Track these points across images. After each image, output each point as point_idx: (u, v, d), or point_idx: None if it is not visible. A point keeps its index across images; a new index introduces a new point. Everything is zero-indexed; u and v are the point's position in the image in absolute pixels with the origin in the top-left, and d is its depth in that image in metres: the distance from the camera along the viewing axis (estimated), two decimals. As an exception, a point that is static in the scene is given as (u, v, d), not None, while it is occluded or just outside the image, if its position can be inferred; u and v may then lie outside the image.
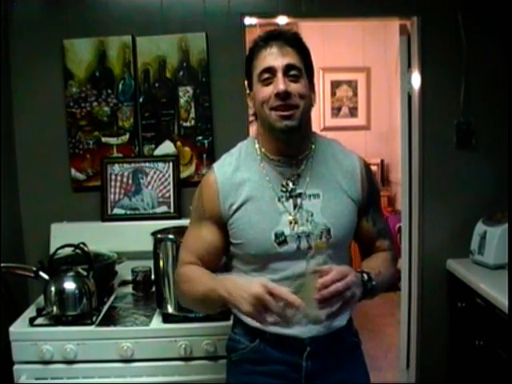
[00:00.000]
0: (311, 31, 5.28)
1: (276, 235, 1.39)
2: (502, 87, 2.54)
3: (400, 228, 3.14)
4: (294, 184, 1.43)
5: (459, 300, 2.49)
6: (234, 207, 1.42)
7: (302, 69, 1.40)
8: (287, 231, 1.39)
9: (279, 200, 1.42)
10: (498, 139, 2.59)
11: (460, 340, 2.53)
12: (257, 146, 1.48)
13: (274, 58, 1.38)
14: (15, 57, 2.54)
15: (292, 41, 1.41)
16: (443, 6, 2.57)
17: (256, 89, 1.41)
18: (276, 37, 1.40)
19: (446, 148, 2.65)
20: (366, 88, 5.17)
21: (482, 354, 2.23)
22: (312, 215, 1.41)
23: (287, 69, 1.37)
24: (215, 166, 1.50)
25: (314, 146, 1.48)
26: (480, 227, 2.53)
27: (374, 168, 5.09)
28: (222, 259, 1.51)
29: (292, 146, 1.44)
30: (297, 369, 1.45)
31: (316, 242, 1.40)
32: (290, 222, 1.40)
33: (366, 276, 1.36)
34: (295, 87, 1.37)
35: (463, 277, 2.43)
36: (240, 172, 1.45)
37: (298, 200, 1.42)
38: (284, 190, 1.42)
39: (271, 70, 1.37)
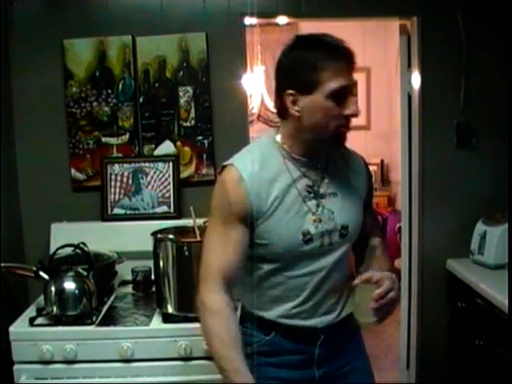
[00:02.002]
0: (311, 31, 5.29)
1: (303, 234, 1.43)
2: (502, 87, 2.54)
3: (400, 228, 3.14)
4: (317, 184, 1.47)
5: (459, 300, 2.49)
6: (264, 207, 1.41)
7: None
8: (312, 230, 1.44)
9: (304, 200, 1.45)
10: (498, 139, 2.58)
11: (460, 340, 2.53)
12: (283, 146, 1.47)
13: (348, 76, 1.38)
14: (15, 57, 2.54)
15: (353, 57, 1.41)
16: (443, 5, 2.57)
17: (319, 100, 1.37)
18: (344, 50, 1.39)
19: (446, 148, 2.65)
20: (366, 88, 5.18)
21: (481, 353, 2.23)
22: (333, 213, 1.47)
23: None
24: (236, 165, 1.43)
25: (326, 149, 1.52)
26: (480, 227, 2.53)
27: (374, 168, 5.09)
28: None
29: (323, 152, 1.49)
30: (310, 357, 1.51)
31: (336, 239, 1.47)
32: (315, 221, 1.44)
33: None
34: None
35: (463, 277, 2.43)
36: (265, 172, 1.43)
37: (321, 200, 1.46)
38: (309, 190, 1.46)
39: (345, 89, 1.37)
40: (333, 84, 1.35)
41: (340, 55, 1.38)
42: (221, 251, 1.42)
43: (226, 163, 1.46)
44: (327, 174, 1.49)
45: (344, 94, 1.37)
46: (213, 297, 1.40)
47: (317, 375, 1.53)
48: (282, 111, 1.44)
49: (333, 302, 1.51)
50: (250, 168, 1.42)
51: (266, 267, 1.47)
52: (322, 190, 1.47)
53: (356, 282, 1.39)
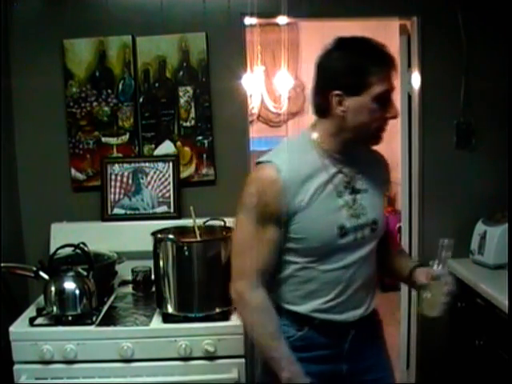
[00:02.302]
0: (311, 31, 5.30)
1: (339, 228, 1.47)
2: (502, 87, 2.54)
3: (400, 228, 3.14)
4: (352, 181, 1.52)
5: (459, 300, 2.49)
6: (301, 204, 1.44)
7: None
8: (348, 224, 1.49)
9: (339, 195, 1.50)
10: (498, 139, 2.58)
11: (460, 340, 2.53)
12: (321, 144, 1.51)
13: (392, 80, 1.46)
14: (15, 57, 2.54)
15: (396, 63, 1.48)
16: (443, 6, 2.57)
17: (366, 102, 1.43)
18: (390, 55, 1.46)
19: (446, 148, 2.65)
20: (366, 88, 5.17)
21: (481, 353, 2.23)
22: (365, 209, 1.52)
23: None
24: (274, 162, 1.45)
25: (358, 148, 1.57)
26: (480, 227, 2.53)
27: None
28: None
29: (358, 150, 1.55)
30: (339, 352, 1.55)
31: (367, 234, 1.53)
32: (350, 216, 1.50)
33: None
34: None
35: (463, 277, 2.43)
36: (303, 169, 1.46)
37: (356, 195, 1.52)
38: (345, 186, 1.51)
39: (389, 93, 1.45)
40: (380, 87, 1.42)
41: (387, 60, 1.45)
42: (257, 249, 1.46)
43: (262, 160, 1.49)
44: (360, 171, 1.54)
45: (388, 97, 1.45)
46: (255, 294, 1.47)
47: (344, 370, 1.57)
48: (323, 110, 1.49)
49: (363, 296, 1.56)
50: (287, 166, 1.44)
51: (301, 262, 1.50)
52: (356, 186, 1.53)
53: (427, 280, 1.52)
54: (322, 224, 1.47)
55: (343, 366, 1.56)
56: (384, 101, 1.44)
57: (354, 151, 1.53)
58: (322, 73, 1.49)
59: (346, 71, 1.43)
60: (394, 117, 1.47)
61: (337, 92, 1.42)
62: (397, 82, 1.55)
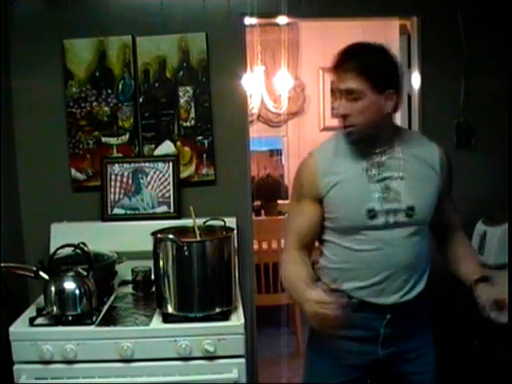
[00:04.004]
0: (311, 31, 5.30)
1: (368, 210, 1.60)
2: (502, 87, 2.54)
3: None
4: (381, 169, 1.63)
5: (459, 299, 2.49)
6: (331, 184, 1.63)
7: (364, 89, 1.57)
8: (377, 207, 1.61)
9: (370, 181, 1.63)
10: (498, 139, 2.58)
11: (460, 340, 2.53)
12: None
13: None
14: (15, 57, 2.54)
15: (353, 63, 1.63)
16: (443, 6, 2.57)
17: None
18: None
19: (446, 148, 2.62)
20: (366, 88, 5.17)
21: (481, 353, 2.23)
22: (399, 195, 1.62)
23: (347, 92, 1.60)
24: (314, 152, 1.71)
25: (397, 137, 1.67)
26: (480, 227, 2.53)
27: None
28: (318, 233, 1.73)
29: (372, 147, 1.65)
30: (375, 335, 1.64)
31: (402, 219, 1.62)
32: (380, 199, 1.61)
33: None
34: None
35: (463, 277, 2.42)
36: (337, 157, 1.66)
37: (386, 182, 1.63)
38: (375, 173, 1.63)
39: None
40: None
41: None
42: (295, 222, 1.72)
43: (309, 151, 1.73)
44: (394, 160, 1.64)
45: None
46: (287, 253, 1.71)
47: (380, 355, 1.65)
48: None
49: (402, 281, 1.62)
50: (323, 154, 1.69)
51: (338, 241, 1.67)
52: (387, 174, 1.63)
53: (488, 303, 1.61)
54: (350, 205, 1.62)
55: (379, 351, 1.64)
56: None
57: (380, 147, 1.65)
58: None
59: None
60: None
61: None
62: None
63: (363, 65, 1.58)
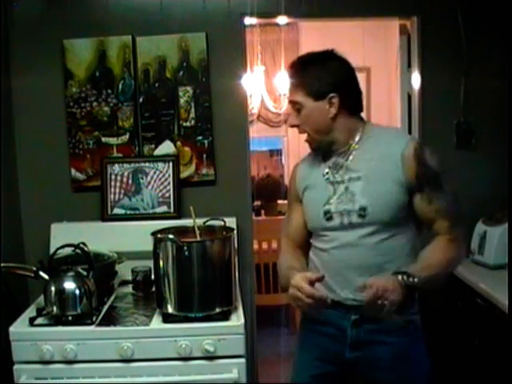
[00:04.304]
0: (311, 31, 5.30)
1: (324, 212, 1.68)
2: (502, 87, 2.54)
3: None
4: (339, 171, 1.69)
5: (459, 300, 2.49)
6: (303, 189, 1.77)
7: (302, 100, 1.65)
8: (333, 208, 1.67)
9: (330, 184, 1.70)
10: (498, 139, 2.58)
11: (460, 340, 2.53)
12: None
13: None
14: (15, 57, 2.54)
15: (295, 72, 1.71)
16: (443, 6, 2.57)
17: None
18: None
19: (446, 148, 2.65)
20: (366, 88, 5.17)
21: (481, 353, 2.23)
22: (354, 195, 1.65)
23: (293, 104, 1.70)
24: (303, 157, 1.85)
25: (358, 139, 1.69)
26: (480, 227, 2.53)
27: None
28: (307, 233, 1.81)
29: (330, 151, 1.72)
30: (343, 335, 1.67)
31: (355, 220, 1.64)
32: (336, 201, 1.67)
33: (402, 277, 1.51)
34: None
35: (463, 276, 2.43)
36: (312, 164, 1.78)
37: (344, 184, 1.67)
38: (334, 176, 1.69)
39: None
40: None
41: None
42: (287, 222, 1.85)
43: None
44: (354, 161, 1.67)
45: None
46: (282, 250, 1.84)
47: (347, 357, 1.67)
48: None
49: (360, 280, 1.57)
50: (304, 160, 1.83)
51: (312, 241, 1.78)
52: (347, 175, 1.67)
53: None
54: (312, 207, 1.73)
55: (347, 353, 1.67)
56: None
57: (337, 149, 1.70)
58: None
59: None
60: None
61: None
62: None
63: (298, 76, 1.67)
